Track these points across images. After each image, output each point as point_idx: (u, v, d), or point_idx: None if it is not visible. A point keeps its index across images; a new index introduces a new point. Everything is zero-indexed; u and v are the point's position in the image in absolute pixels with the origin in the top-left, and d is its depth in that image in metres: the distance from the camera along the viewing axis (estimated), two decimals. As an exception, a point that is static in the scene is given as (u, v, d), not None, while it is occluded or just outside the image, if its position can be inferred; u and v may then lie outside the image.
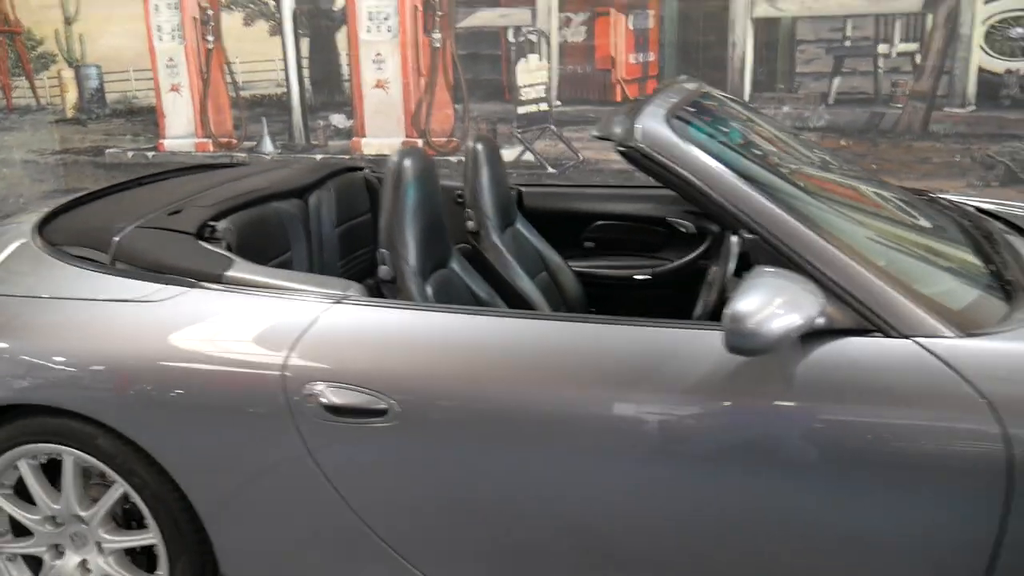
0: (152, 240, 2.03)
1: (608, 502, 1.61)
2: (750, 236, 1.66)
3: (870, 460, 1.48)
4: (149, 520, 1.88)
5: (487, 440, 1.63)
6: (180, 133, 5.44)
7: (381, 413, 1.65)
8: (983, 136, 4.30)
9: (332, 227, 2.69)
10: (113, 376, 1.79)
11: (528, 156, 4.88)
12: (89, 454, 1.86)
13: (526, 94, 4.83)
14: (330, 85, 5.13)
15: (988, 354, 1.47)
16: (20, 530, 2.04)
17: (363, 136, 5.12)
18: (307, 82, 5.17)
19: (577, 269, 2.90)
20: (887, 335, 1.50)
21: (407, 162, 2.03)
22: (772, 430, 1.51)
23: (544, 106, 4.83)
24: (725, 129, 1.99)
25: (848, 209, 1.88)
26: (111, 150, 5.64)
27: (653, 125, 1.70)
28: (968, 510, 1.47)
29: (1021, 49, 4.19)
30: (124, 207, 2.33)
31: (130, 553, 1.99)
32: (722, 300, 2.10)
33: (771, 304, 1.40)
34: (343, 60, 5.06)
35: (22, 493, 2.00)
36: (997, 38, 4.22)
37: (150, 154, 5.55)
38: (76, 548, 1.99)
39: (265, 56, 5.19)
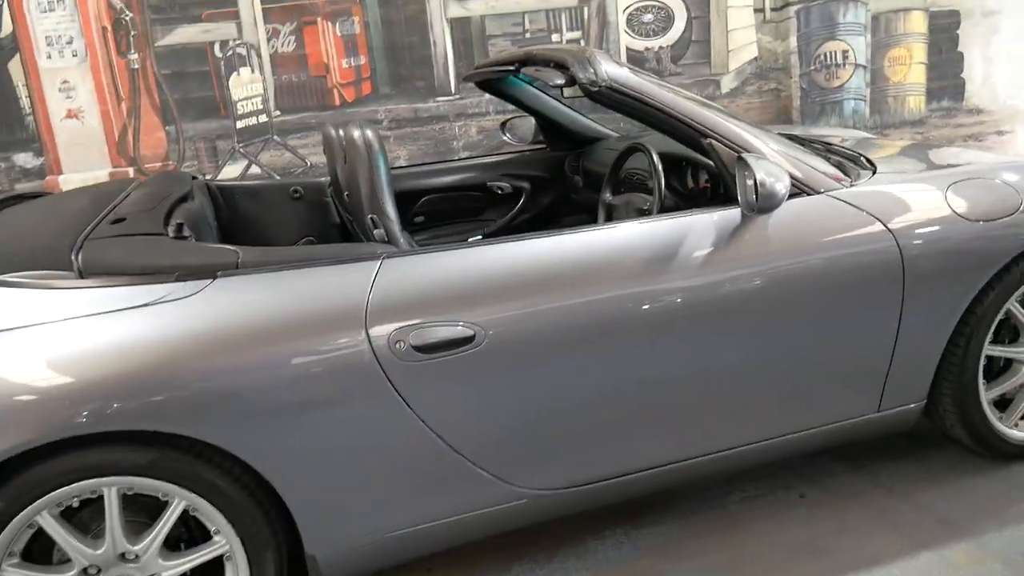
0: (129, 247, 1.88)
1: (656, 374, 2.00)
2: None
3: (828, 287, 2.07)
4: (222, 526, 1.78)
5: (559, 347, 1.89)
6: (84, 166, 4.55)
7: (469, 340, 1.82)
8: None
9: None
10: (184, 381, 1.68)
11: (255, 169, 4.84)
12: (143, 476, 1.71)
13: (243, 107, 4.79)
14: (8, 121, 4.52)
15: (872, 193, 2.15)
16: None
17: (59, 173, 4.61)
18: (-25, 121, 4.50)
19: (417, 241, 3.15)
20: (808, 194, 2.10)
21: (369, 132, 2.15)
22: (775, 278, 2.02)
23: (264, 118, 4.83)
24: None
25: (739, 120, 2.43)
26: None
27: (615, 68, 2.10)
28: (881, 311, 2.12)
29: (652, 31, 5.29)
30: (27, 231, 2.06)
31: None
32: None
33: (774, 174, 1.91)
34: (21, 92, 4.50)
35: (29, 556, 1.74)
36: (635, 23, 5.27)
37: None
38: None
39: (-89, 96, 4.41)
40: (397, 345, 1.79)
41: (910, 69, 5.82)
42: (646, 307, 1.95)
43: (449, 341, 1.81)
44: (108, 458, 1.69)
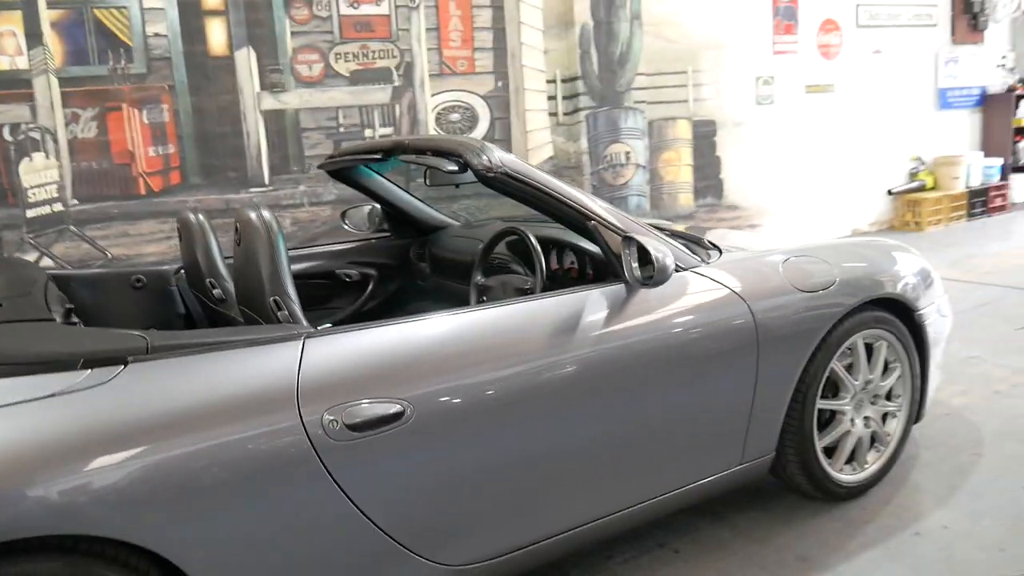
0: (21, 333, 1.70)
1: (564, 440, 2.10)
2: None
3: (701, 353, 2.30)
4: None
5: (475, 420, 1.94)
6: None
7: (399, 416, 1.83)
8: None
9: None
10: (101, 476, 1.54)
11: (47, 261, 4.44)
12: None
13: (35, 195, 4.41)
14: None
15: (725, 270, 2.44)
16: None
17: None
18: None
19: None
20: (678, 270, 2.35)
21: (266, 214, 2.11)
22: (658, 346, 2.22)
23: (59, 206, 4.48)
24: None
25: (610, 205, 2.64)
26: None
27: (508, 156, 2.25)
28: (743, 373, 2.40)
29: (459, 129, 5.59)
30: None
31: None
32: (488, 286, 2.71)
33: (662, 251, 2.13)
34: None
35: None
36: (443, 121, 5.54)
37: None
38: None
39: None
40: (331, 425, 1.76)
41: (680, 170, 6.58)
42: (546, 378, 2.06)
43: (380, 418, 1.81)
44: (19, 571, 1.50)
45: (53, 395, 1.59)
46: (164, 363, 1.71)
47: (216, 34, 4.77)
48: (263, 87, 4.93)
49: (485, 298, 2.73)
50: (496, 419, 1.99)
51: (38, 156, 4.40)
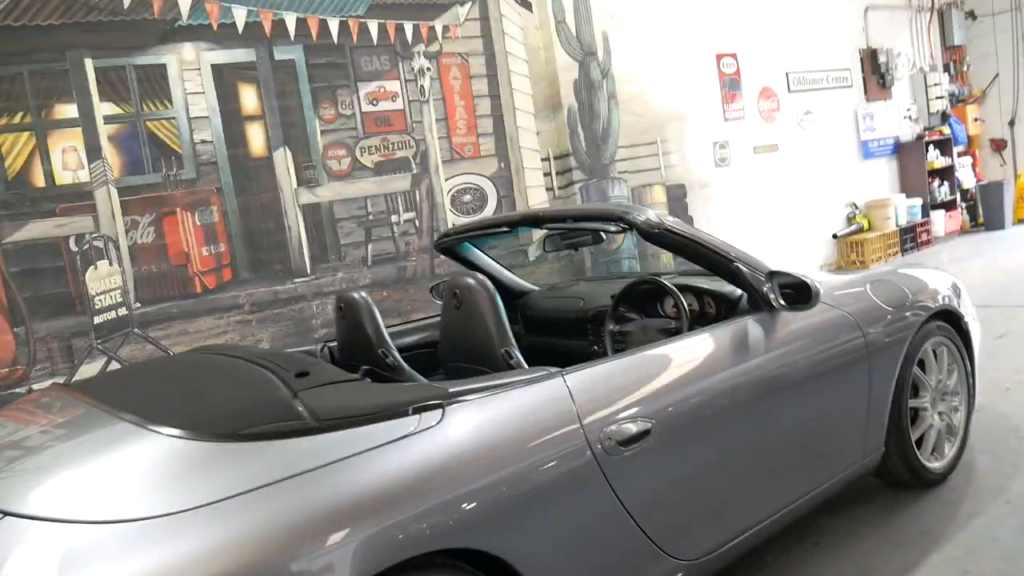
0: (348, 392, 2.00)
1: (755, 442, 2.51)
2: None
3: (838, 365, 2.76)
4: None
5: (700, 430, 2.33)
6: None
7: (647, 433, 2.19)
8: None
9: None
10: (465, 499, 1.84)
11: (115, 365, 4.57)
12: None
13: (101, 302, 4.56)
14: None
15: (834, 295, 2.92)
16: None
17: None
18: None
19: None
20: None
21: (484, 279, 2.47)
22: (808, 360, 2.66)
23: (123, 311, 4.63)
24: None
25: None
26: None
27: (663, 215, 2.68)
28: (863, 381, 2.86)
29: (471, 208, 6.01)
30: (205, 391, 2.05)
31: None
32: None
33: (808, 278, 2.59)
34: None
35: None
36: (457, 202, 5.96)
37: None
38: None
39: None
40: (607, 441, 2.11)
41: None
42: (737, 391, 2.47)
43: (636, 434, 2.17)
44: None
45: (407, 436, 1.89)
46: (467, 405, 2.03)
47: (255, 137, 5.08)
48: (299, 183, 5.24)
49: (623, 345, 3.11)
50: (711, 426, 2.37)
51: (102, 264, 4.57)
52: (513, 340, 2.42)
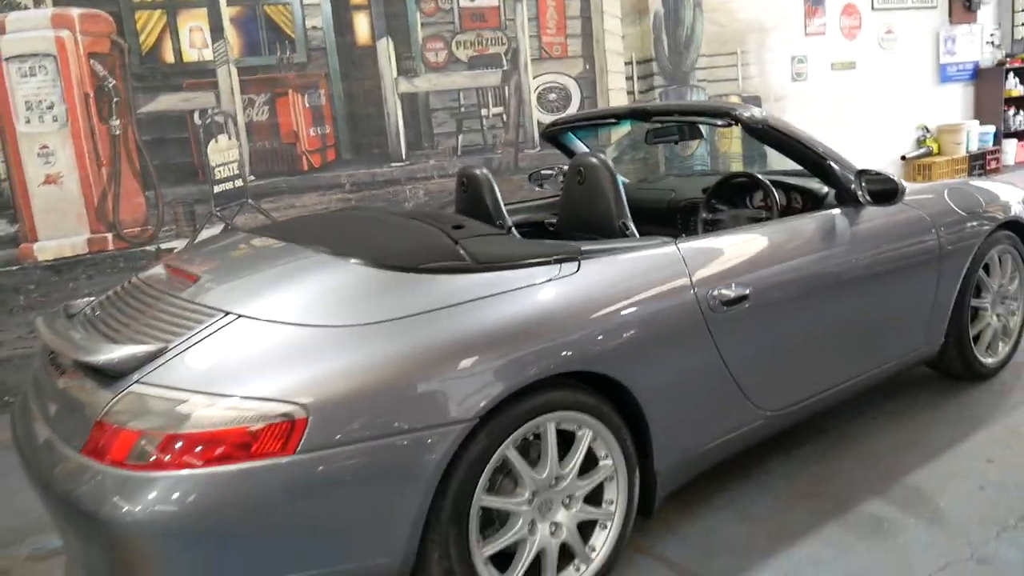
0: (499, 242, 2.37)
1: (835, 316, 2.85)
2: None
3: (912, 256, 3.06)
4: (613, 451, 2.28)
5: (791, 300, 2.67)
6: (60, 232, 4.43)
7: (744, 298, 2.53)
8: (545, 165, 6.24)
9: None
10: (593, 332, 2.21)
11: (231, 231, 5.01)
12: (570, 410, 2.19)
13: (220, 173, 4.97)
14: (-21, 187, 4.33)
15: (914, 197, 3.18)
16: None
17: (34, 240, 4.46)
18: (-57, 188, 4.25)
19: None
20: None
21: (605, 158, 2.79)
22: (887, 253, 2.97)
23: (239, 182, 5.04)
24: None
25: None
26: None
27: (767, 113, 2.95)
28: (931, 275, 3.15)
29: (556, 107, 6.26)
30: (375, 235, 2.44)
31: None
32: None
33: (896, 176, 2.87)
34: (-4, 157, 4.35)
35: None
36: (543, 100, 6.21)
37: None
38: (543, 517, 2.21)
39: None
40: (713, 300, 2.46)
41: (732, 141, 7.35)
42: (823, 271, 2.80)
43: (736, 298, 2.52)
44: (549, 399, 2.16)
45: (551, 280, 2.26)
46: (598, 260, 2.39)
47: (361, 26, 5.36)
48: (399, 72, 5.54)
49: (712, 229, 3.43)
50: (797, 300, 2.71)
51: (222, 138, 4.96)
52: (628, 213, 2.75)
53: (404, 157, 5.60)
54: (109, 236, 4.65)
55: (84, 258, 4.59)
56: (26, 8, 4.38)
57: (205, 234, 4.92)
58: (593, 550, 2.32)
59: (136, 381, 1.89)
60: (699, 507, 2.76)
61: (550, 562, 2.23)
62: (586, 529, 2.33)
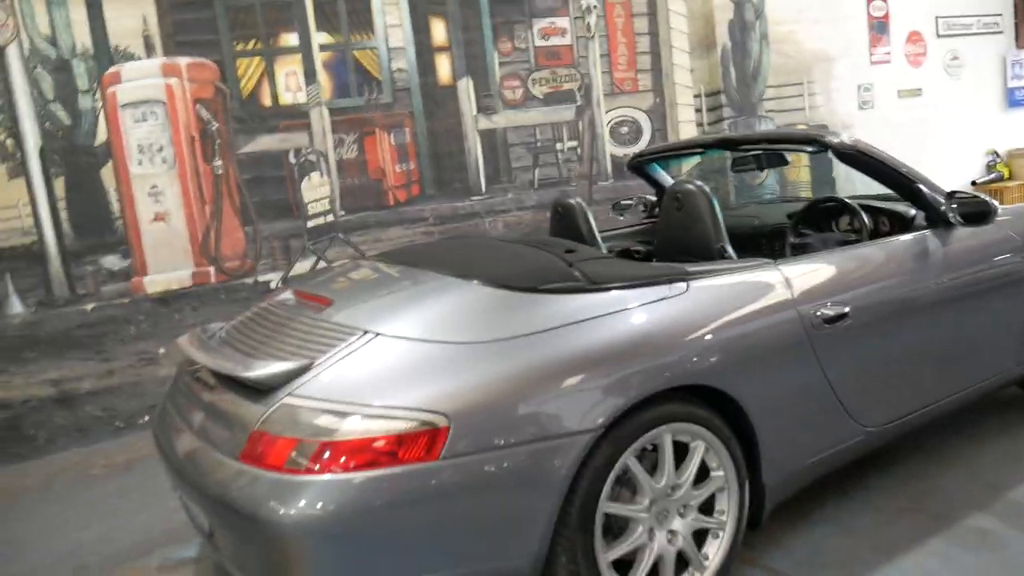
0: (613, 265, 2.52)
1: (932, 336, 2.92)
2: None
3: (1002, 278, 3.11)
4: (725, 463, 2.39)
5: (889, 319, 2.76)
6: (168, 267, 4.77)
7: (844, 316, 2.63)
8: (619, 197, 6.38)
9: None
10: (705, 347, 2.33)
11: (322, 264, 5.25)
12: (684, 422, 2.30)
13: (313, 209, 5.23)
14: (98, 225, 4.63)
15: (1004, 219, 3.24)
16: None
17: (145, 275, 4.75)
18: (66, 225, 4.56)
19: None
20: None
21: (702, 185, 2.92)
22: (981, 273, 3.04)
23: (330, 217, 5.29)
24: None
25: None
26: None
27: (856, 138, 3.06)
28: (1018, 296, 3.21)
29: (627, 140, 6.42)
30: (490, 260, 2.60)
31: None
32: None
33: (987, 198, 2.95)
34: (112, 197, 4.66)
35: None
36: (616, 134, 6.38)
37: None
38: (660, 525, 2.32)
39: (3, 203, 4.42)
40: (815, 319, 2.56)
41: (800, 170, 7.42)
42: (918, 292, 2.88)
43: (835, 316, 2.62)
44: (666, 411, 2.28)
45: (662, 299, 2.39)
46: (705, 281, 2.51)
47: (443, 67, 5.62)
48: (478, 110, 5.77)
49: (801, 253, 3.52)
50: (893, 319, 2.80)
51: (315, 175, 5.22)
52: (727, 237, 2.87)
53: (484, 191, 5.80)
54: (212, 270, 4.92)
55: (189, 291, 4.87)
56: (139, 59, 4.71)
57: (299, 267, 5.16)
58: (706, 558, 2.42)
59: (289, 394, 2.07)
60: (801, 522, 2.83)
61: (668, 568, 2.33)
62: (699, 538, 2.43)
